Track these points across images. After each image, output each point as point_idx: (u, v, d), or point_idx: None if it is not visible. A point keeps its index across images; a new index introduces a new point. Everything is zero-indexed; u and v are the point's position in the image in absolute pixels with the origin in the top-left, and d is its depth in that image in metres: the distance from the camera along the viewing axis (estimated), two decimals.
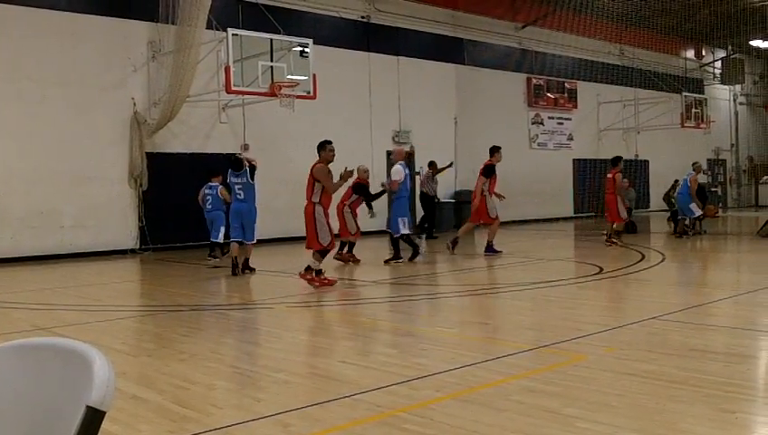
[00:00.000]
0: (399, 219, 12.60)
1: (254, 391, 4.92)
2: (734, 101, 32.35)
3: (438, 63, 21.23)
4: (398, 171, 12.79)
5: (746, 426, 4.16)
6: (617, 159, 15.42)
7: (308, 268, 9.72)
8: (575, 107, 25.56)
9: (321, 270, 9.78)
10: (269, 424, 4.15)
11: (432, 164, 18.52)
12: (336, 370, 5.43)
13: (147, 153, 15.92)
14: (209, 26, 14.91)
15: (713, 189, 27.53)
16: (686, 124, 25.84)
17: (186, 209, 16.33)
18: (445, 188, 21.10)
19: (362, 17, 19.59)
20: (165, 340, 6.90)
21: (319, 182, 9.79)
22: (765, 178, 31.29)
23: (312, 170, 9.83)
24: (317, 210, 9.76)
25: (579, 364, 5.48)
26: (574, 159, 25.18)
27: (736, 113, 32.57)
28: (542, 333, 6.51)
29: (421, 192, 18.67)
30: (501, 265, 12.44)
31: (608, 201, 15.17)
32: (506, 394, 4.73)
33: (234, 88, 14.46)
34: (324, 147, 9.94)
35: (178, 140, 16.52)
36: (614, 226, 14.95)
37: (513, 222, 21.74)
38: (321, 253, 9.72)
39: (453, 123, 21.47)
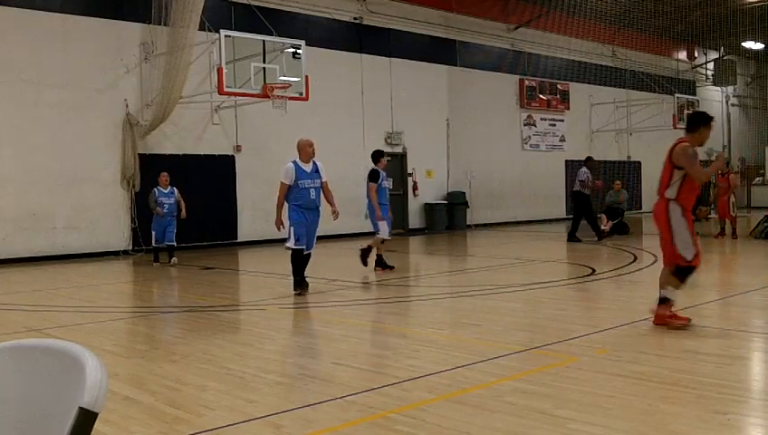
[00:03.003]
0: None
1: (246, 392, 4.92)
2: (727, 102, 32.49)
3: (431, 65, 21.27)
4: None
5: (738, 427, 4.18)
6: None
7: (663, 301, 6.67)
8: (567, 108, 25.63)
9: (671, 299, 6.67)
10: (261, 425, 4.15)
11: (589, 159, 17.10)
12: (328, 371, 5.43)
13: (139, 154, 15.88)
14: (201, 28, 14.90)
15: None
16: (678, 126, 25.92)
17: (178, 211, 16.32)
18: (435, 191, 21.14)
19: (355, 18, 19.60)
20: (157, 341, 6.89)
21: (679, 169, 6.62)
22: (758, 179, 31.43)
23: (670, 153, 6.69)
24: (671, 209, 6.66)
25: (571, 366, 5.49)
26: (566, 161, 25.24)
27: (728, 115, 32.72)
28: (534, 334, 6.53)
29: (579, 192, 16.66)
30: (492, 266, 12.47)
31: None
32: (498, 396, 4.74)
33: (226, 89, 14.45)
34: (704, 123, 6.85)
35: (171, 141, 16.49)
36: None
37: (506, 223, 21.81)
38: (682, 272, 6.74)
39: (445, 125, 21.50)
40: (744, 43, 29.59)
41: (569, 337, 6.32)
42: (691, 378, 5.03)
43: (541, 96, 24.69)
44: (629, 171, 26.91)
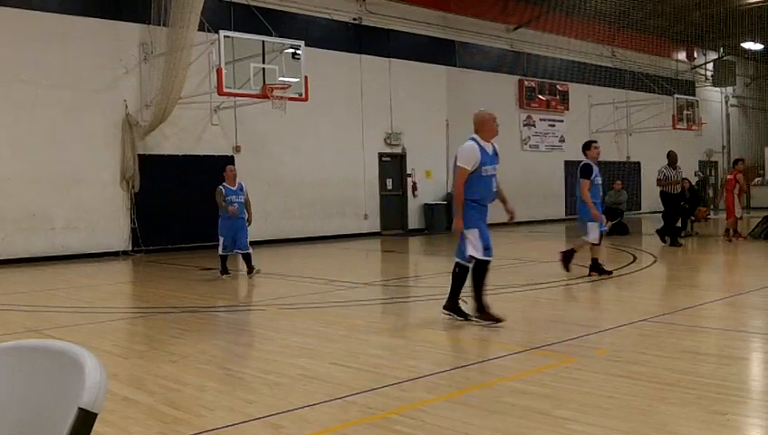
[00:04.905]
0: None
1: (245, 392, 4.92)
2: (726, 102, 32.50)
3: (430, 65, 21.28)
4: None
5: (737, 428, 4.18)
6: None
7: None
8: (567, 109, 25.64)
9: None
10: (260, 426, 4.15)
11: (671, 154, 15.60)
12: (327, 371, 5.43)
13: (138, 155, 15.88)
14: (201, 28, 14.90)
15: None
16: (677, 126, 25.96)
17: (178, 211, 16.31)
18: (435, 191, 21.13)
19: (354, 19, 19.60)
20: (156, 342, 6.89)
21: None
22: (757, 179, 31.44)
23: None
24: None
25: (570, 366, 5.49)
26: (566, 161, 25.24)
27: (728, 115, 32.74)
28: (534, 335, 6.52)
29: (662, 192, 15.36)
30: (492, 267, 12.46)
31: None
32: (497, 396, 4.74)
33: (225, 90, 14.45)
34: None
35: (170, 141, 16.49)
36: None
37: (505, 224, 21.78)
38: None
39: (444, 125, 21.51)
40: (743, 44, 29.60)
41: (568, 338, 6.32)
42: (690, 378, 5.03)
43: (540, 97, 24.69)
44: (629, 172, 26.91)
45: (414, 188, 20.73)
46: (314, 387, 4.97)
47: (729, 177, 16.99)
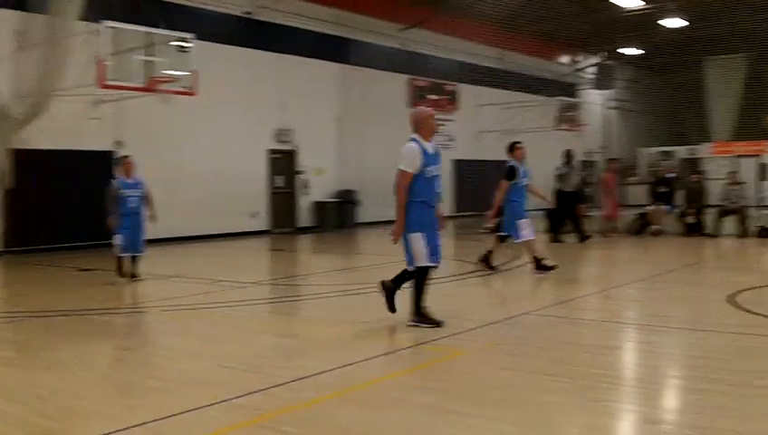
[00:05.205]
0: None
1: (125, 398, 4.71)
2: (606, 105, 34.11)
3: (322, 62, 21.18)
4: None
5: (612, 413, 4.39)
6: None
7: None
8: (456, 109, 26.18)
9: None
10: (141, 433, 3.98)
11: (568, 153, 16.15)
12: (214, 374, 5.28)
13: (12, 150, 14.94)
14: (83, 17, 14.18)
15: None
16: (560, 127, 27.02)
17: (55, 209, 15.51)
18: (326, 189, 21.04)
19: (245, 13, 19.24)
20: (28, 348, 6.50)
21: None
22: (633, 178, 33.17)
23: None
24: None
25: (458, 359, 5.60)
26: (455, 160, 25.76)
27: (607, 117, 34.37)
28: (423, 329, 6.59)
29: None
30: (383, 264, 12.56)
31: None
32: (388, 392, 4.77)
33: (108, 82, 13.83)
34: None
35: (47, 135, 15.58)
36: None
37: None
38: None
39: (337, 123, 21.48)
40: (622, 49, 31.18)
41: (456, 332, 6.43)
42: (570, 368, 5.23)
43: (430, 96, 25.10)
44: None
45: (305, 185, 20.58)
46: (199, 390, 4.82)
47: (604, 176, 17.85)
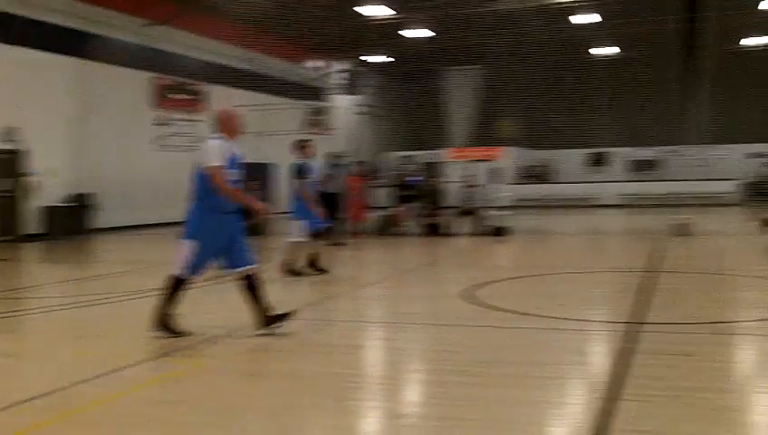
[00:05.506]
0: None
1: None
2: (354, 110, 35.33)
3: (56, 56, 19.33)
4: None
5: (357, 412, 4.42)
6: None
7: None
8: (205, 109, 25.47)
9: None
10: None
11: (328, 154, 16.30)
12: None
13: None
14: None
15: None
16: (309, 130, 27.46)
17: None
18: (59, 192, 19.19)
19: None
20: None
21: None
22: (378, 181, 34.75)
23: None
24: None
25: (206, 369, 5.33)
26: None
27: (354, 121, 35.63)
28: (161, 341, 6.14)
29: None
30: (120, 272, 11.76)
31: None
32: (122, 409, 4.39)
33: None
34: None
35: None
36: None
37: (141, 226, 20.77)
38: None
39: (71, 122, 19.76)
40: (370, 57, 32.55)
41: (202, 340, 6.12)
42: (321, 370, 5.20)
43: (177, 95, 24.18)
44: (268, 173, 27.71)
45: (32, 188, 18.55)
46: None
47: (351, 179, 18.46)
